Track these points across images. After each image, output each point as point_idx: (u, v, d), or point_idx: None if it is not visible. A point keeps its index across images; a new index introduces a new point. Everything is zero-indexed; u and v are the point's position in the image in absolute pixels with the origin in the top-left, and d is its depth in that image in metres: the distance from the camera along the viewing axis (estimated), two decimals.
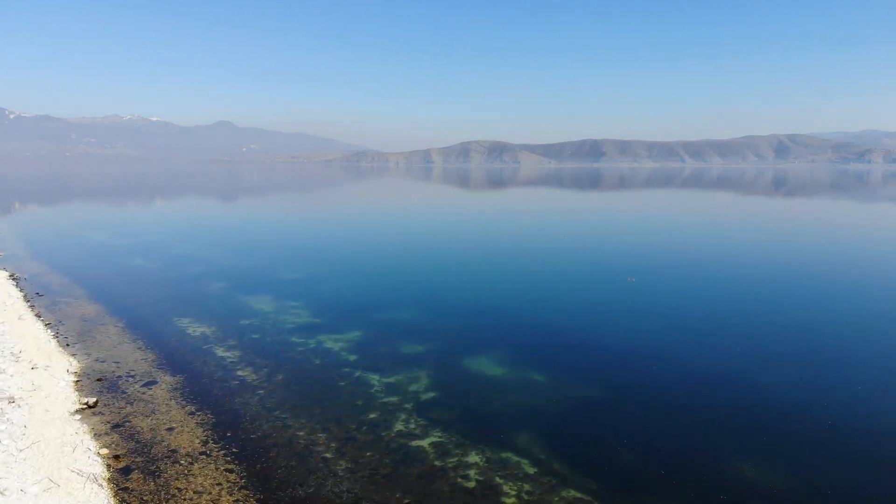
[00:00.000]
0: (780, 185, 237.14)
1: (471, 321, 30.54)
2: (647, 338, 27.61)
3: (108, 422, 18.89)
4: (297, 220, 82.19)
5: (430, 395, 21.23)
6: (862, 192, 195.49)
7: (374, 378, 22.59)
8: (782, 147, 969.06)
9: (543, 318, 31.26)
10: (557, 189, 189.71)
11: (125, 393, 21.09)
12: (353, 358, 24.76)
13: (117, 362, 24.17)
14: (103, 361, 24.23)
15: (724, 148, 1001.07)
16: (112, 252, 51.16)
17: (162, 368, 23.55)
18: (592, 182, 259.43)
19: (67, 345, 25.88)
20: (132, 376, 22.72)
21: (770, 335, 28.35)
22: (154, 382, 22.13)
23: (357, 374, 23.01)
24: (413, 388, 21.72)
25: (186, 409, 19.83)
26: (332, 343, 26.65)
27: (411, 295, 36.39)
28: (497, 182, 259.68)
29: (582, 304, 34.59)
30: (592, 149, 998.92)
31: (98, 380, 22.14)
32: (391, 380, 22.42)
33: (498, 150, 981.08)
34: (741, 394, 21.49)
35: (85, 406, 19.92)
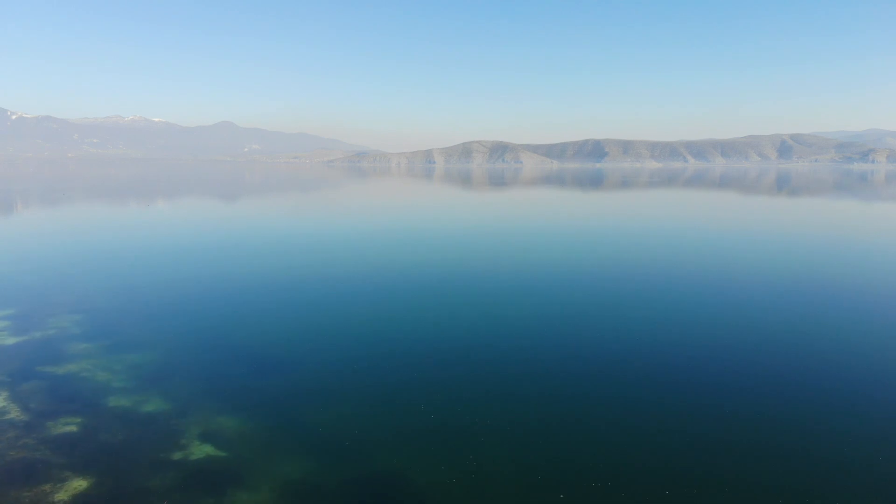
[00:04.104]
0: (785, 185, 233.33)
1: None
2: None
3: None
4: (267, 273, 50.32)
5: None
6: (866, 192, 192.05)
7: None
8: (785, 146, 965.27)
9: None
10: (569, 192, 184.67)
11: None
12: None
13: None
14: None
15: (726, 147, 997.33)
16: None
17: None
18: (597, 182, 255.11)
19: None
20: None
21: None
22: None
23: None
24: None
25: None
26: None
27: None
28: (501, 184, 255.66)
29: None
30: (595, 149, 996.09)
31: None
32: None
33: (500, 150, 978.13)
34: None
35: None
